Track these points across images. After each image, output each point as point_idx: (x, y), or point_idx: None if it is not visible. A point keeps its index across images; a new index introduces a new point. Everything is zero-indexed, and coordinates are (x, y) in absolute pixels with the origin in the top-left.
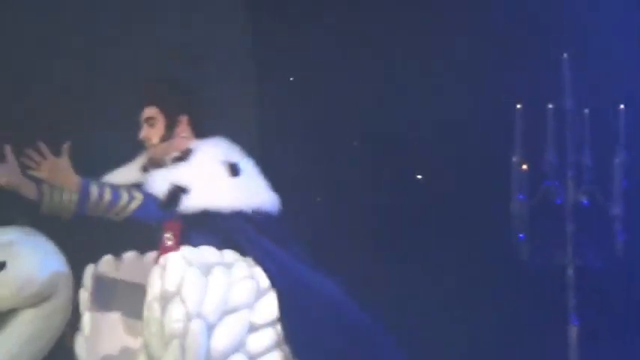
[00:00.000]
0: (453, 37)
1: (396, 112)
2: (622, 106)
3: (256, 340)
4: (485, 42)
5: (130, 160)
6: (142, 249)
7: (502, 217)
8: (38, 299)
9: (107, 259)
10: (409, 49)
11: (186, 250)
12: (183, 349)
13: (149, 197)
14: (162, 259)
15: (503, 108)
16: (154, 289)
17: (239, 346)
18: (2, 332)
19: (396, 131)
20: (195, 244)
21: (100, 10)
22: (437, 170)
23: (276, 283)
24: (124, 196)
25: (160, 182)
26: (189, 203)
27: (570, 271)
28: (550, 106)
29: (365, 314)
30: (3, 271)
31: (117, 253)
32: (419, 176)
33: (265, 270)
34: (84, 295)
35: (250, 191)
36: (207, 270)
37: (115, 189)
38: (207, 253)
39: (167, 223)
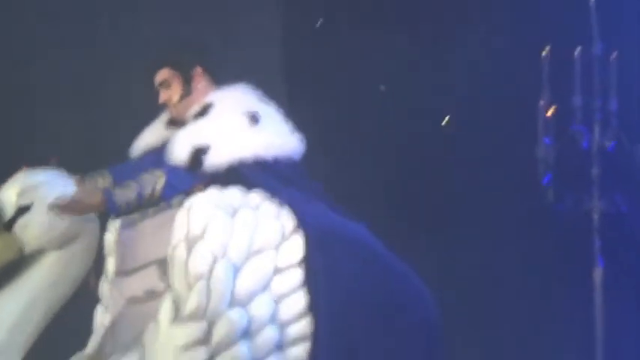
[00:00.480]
0: None
1: (421, 58)
2: None
3: (281, 281)
4: None
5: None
6: None
7: (529, 160)
8: (63, 241)
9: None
10: None
11: (212, 193)
12: (208, 290)
13: (172, 171)
14: (187, 202)
15: (530, 52)
16: (179, 231)
17: (264, 288)
18: (27, 274)
19: (422, 77)
20: None
21: None
22: (466, 114)
23: (303, 223)
24: (147, 183)
25: (181, 146)
26: (212, 161)
27: (596, 215)
28: (577, 50)
29: (393, 257)
30: (28, 214)
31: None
32: (445, 119)
33: (294, 211)
34: (109, 238)
35: (271, 137)
36: (233, 212)
37: (137, 181)
38: (233, 195)
39: (195, 186)
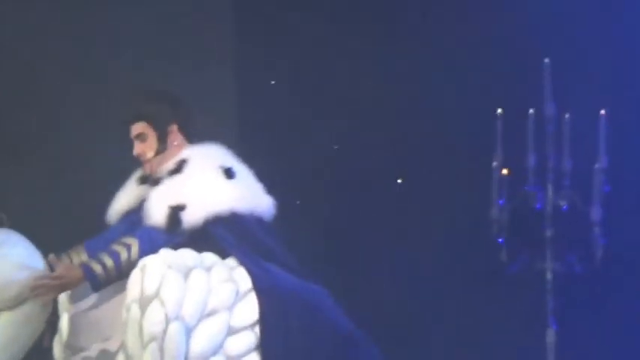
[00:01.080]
0: (438, 38)
1: (376, 116)
2: (602, 112)
3: (235, 342)
4: (467, 46)
5: (125, 179)
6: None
7: (482, 219)
8: (16, 302)
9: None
10: (388, 56)
11: (165, 253)
12: (161, 351)
13: (145, 234)
14: (141, 262)
15: (484, 113)
16: (133, 291)
17: (217, 349)
18: None
19: (376, 135)
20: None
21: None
22: (418, 173)
23: (257, 285)
24: (122, 251)
25: (157, 206)
26: (190, 219)
27: (549, 276)
28: (531, 111)
29: (349, 322)
30: None
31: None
32: (399, 180)
33: (249, 272)
34: (63, 297)
35: (247, 193)
36: (186, 273)
37: (110, 252)
38: (186, 255)
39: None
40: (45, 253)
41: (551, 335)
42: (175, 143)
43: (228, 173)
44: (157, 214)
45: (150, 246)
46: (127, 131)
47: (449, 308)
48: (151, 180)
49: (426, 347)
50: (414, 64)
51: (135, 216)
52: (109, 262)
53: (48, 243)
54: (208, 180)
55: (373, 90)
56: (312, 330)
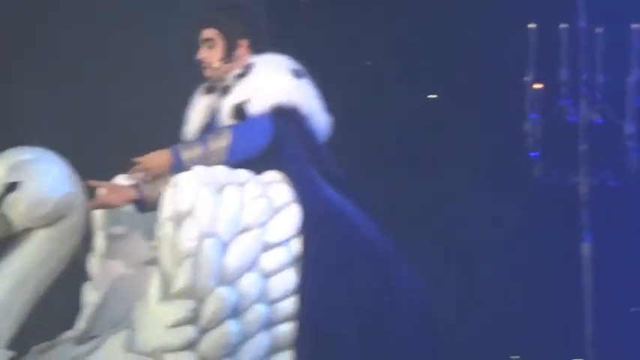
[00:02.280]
0: None
1: (408, 35)
2: (635, 25)
3: (270, 258)
4: None
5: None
6: None
7: (517, 135)
8: (52, 219)
9: (120, 178)
10: None
11: (198, 170)
12: (196, 267)
13: (238, 132)
14: (174, 179)
15: (517, 27)
16: (167, 209)
17: (252, 265)
18: (16, 252)
19: (409, 50)
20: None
21: None
22: (453, 89)
23: (302, 198)
24: (212, 142)
25: (225, 109)
26: (255, 110)
27: (584, 189)
28: (563, 25)
29: (389, 243)
30: (17, 191)
31: (130, 172)
32: (433, 95)
33: (295, 181)
34: (97, 215)
35: (311, 97)
36: (219, 189)
37: (202, 140)
38: (219, 172)
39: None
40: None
41: (586, 249)
42: (242, 57)
43: (297, 73)
44: (224, 115)
45: (242, 146)
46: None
47: (483, 223)
48: (219, 89)
49: (458, 262)
50: None
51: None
52: (197, 150)
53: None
54: (275, 74)
55: (408, 9)
56: (352, 247)
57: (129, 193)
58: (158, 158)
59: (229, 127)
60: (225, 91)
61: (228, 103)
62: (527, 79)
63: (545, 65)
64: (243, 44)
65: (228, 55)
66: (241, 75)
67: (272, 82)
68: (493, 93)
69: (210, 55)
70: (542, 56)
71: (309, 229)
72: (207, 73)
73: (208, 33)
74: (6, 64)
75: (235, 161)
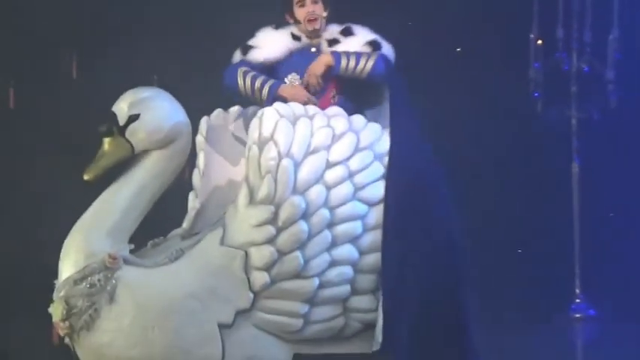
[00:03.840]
0: None
1: None
2: None
3: (332, 174)
4: None
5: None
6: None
7: (522, 79)
8: (165, 142)
9: (218, 111)
10: None
11: (278, 105)
12: (275, 181)
13: (381, 56)
14: (259, 112)
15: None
16: (253, 135)
17: (319, 179)
18: (137, 168)
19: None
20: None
21: None
22: (474, 43)
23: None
24: (363, 58)
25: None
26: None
27: (574, 121)
28: None
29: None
30: (137, 121)
31: (226, 108)
32: (458, 49)
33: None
34: (199, 139)
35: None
36: (294, 120)
37: (355, 53)
38: (294, 106)
39: (333, 84)
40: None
41: (575, 167)
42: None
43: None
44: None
45: (382, 67)
46: None
47: (492, 146)
48: (327, 42)
49: (470, 177)
50: None
51: (278, 65)
52: (352, 59)
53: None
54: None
55: None
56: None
57: (329, 56)
58: (322, 59)
59: (372, 53)
60: (333, 43)
61: (359, 42)
62: (531, 36)
63: (546, 25)
64: (328, 11)
65: (326, 13)
66: (346, 32)
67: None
68: (505, 46)
69: (317, 9)
70: (543, 18)
71: (397, 153)
72: (316, 24)
73: None
74: None
75: (371, 79)
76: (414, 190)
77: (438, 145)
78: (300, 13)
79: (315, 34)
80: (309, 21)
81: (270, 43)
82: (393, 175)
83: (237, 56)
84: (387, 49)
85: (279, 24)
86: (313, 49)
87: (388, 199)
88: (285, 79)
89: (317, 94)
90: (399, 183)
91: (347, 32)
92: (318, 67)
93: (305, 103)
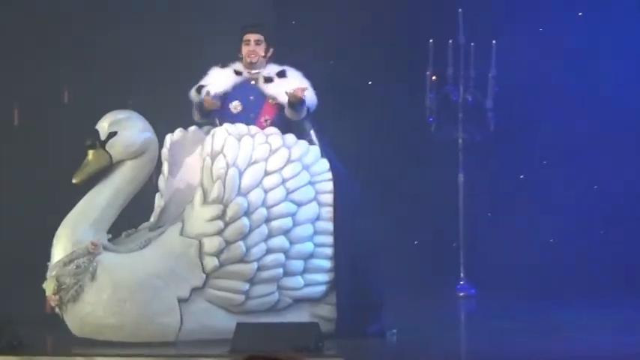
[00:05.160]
0: None
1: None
2: (494, 41)
3: (268, 180)
4: None
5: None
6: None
7: (420, 108)
8: (137, 154)
9: (179, 130)
10: None
11: (226, 125)
12: (224, 185)
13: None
14: (212, 131)
15: (421, 42)
16: (207, 149)
17: (258, 184)
18: (114, 174)
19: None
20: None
21: None
22: (385, 80)
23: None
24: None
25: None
26: (310, 100)
27: (460, 141)
28: (450, 41)
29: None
30: (115, 137)
31: (185, 127)
32: (370, 82)
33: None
34: (164, 152)
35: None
36: (239, 137)
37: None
38: (240, 127)
39: (266, 110)
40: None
41: (460, 178)
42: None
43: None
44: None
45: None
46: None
47: (396, 160)
48: (264, 79)
49: (376, 184)
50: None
51: (225, 97)
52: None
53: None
54: (302, 82)
55: None
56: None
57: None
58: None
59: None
60: (268, 80)
61: (282, 89)
62: (427, 72)
63: (439, 64)
64: (270, 51)
65: (266, 54)
66: (281, 74)
67: (304, 84)
68: (406, 80)
69: (259, 50)
70: (437, 58)
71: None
72: (254, 59)
73: (257, 36)
74: None
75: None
76: (350, 199)
77: (354, 158)
78: (244, 50)
79: (253, 68)
80: (249, 57)
81: (218, 81)
82: (339, 189)
83: (193, 93)
84: (311, 94)
85: (225, 62)
86: (253, 82)
87: (337, 205)
88: (230, 106)
89: (254, 118)
90: (344, 196)
91: (281, 74)
92: (299, 92)
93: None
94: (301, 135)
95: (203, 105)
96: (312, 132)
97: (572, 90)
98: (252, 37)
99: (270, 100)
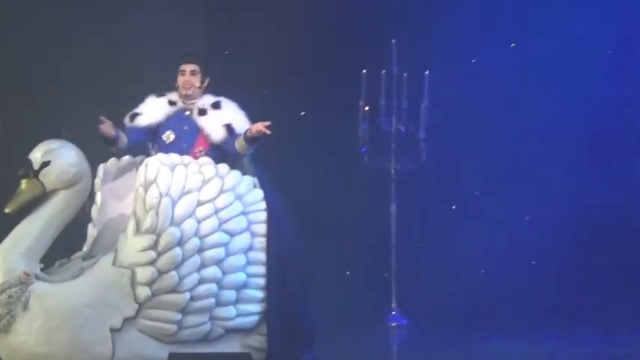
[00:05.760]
0: None
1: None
2: (427, 72)
3: (201, 210)
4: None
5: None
6: (133, 155)
7: (353, 138)
8: (70, 183)
9: (112, 159)
10: None
11: (160, 155)
12: (157, 215)
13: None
14: (145, 161)
15: (353, 72)
16: (140, 178)
17: (191, 214)
18: (47, 204)
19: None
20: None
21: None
22: (313, 108)
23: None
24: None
25: (217, 125)
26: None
27: (392, 171)
28: (383, 71)
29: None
30: (48, 167)
31: (118, 157)
32: (302, 113)
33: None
34: (97, 181)
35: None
36: (173, 167)
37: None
38: (173, 157)
39: (200, 141)
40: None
41: (393, 207)
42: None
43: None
44: (218, 130)
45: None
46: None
47: (329, 189)
48: (198, 110)
49: (309, 211)
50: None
51: (158, 126)
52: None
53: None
54: (237, 113)
55: None
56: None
57: None
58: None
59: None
60: (202, 112)
61: (215, 121)
62: (361, 103)
63: (372, 95)
64: (206, 81)
65: (202, 84)
66: (216, 105)
67: (239, 115)
68: (340, 111)
69: (194, 81)
70: (370, 89)
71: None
72: (189, 91)
73: (193, 66)
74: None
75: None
76: (283, 229)
77: (286, 188)
78: (179, 80)
79: (188, 99)
80: (184, 89)
81: (151, 110)
82: (272, 220)
83: (127, 120)
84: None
85: (161, 92)
86: (187, 113)
87: (270, 237)
88: (163, 136)
89: (187, 148)
90: (277, 226)
91: (216, 105)
92: (260, 127)
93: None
94: (239, 166)
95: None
96: (249, 162)
97: (503, 120)
98: (188, 67)
99: (204, 132)
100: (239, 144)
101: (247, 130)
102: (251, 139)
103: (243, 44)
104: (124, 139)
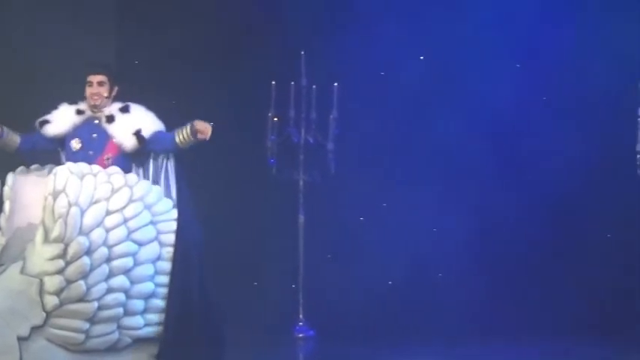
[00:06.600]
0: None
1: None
2: (335, 84)
3: (110, 219)
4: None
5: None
6: (42, 163)
7: (261, 149)
8: None
9: (21, 168)
10: None
11: (69, 164)
12: (65, 224)
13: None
14: (54, 169)
15: (263, 85)
16: (49, 187)
17: (99, 223)
18: None
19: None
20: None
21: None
22: (222, 119)
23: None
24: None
25: (127, 132)
26: (146, 133)
27: (301, 183)
28: (292, 83)
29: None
30: None
31: (28, 165)
32: (211, 123)
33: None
34: (6, 190)
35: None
36: (82, 176)
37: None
38: (82, 166)
39: (109, 148)
40: None
41: (300, 219)
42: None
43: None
44: (127, 133)
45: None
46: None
47: (237, 202)
48: (105, 118)
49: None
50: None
51: (65, 136)
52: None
53: None
54: (147, 115)
55: None
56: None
57: None
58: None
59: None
60: (110, 119)
61: (124, 129)
62: (269, 114)
63: (280, 106)
64: (115, 89)
65: (110, 94)
66: (124, 109)
67: (149, 117)
68: (248, 122)
69: (102, 91)
70: (279, 100)
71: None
72: (97, 101)
73: (101, 77)
74: None
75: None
76: (192, 239)
77: (195, 198)
78: (87, 91)
79: (97, 109)
80: (92, 99)
81: (59, 119)
82: (181, 232)
83: (37, 125)
84: (154, 122)
85: (75, 100)
86: (96, 121)
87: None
88: (70, 144)
89: (94, 156)
90: (185, 236)
91: (124, 110)
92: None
93: None
94: (156, 169)
95: None
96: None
97: (411, 132)
98: (95, 78)
99: (114, 139)
100: (182, 136)
101: (192, 124)
102: (199, 139)
103: (153, 54)
104: (14, 138)
